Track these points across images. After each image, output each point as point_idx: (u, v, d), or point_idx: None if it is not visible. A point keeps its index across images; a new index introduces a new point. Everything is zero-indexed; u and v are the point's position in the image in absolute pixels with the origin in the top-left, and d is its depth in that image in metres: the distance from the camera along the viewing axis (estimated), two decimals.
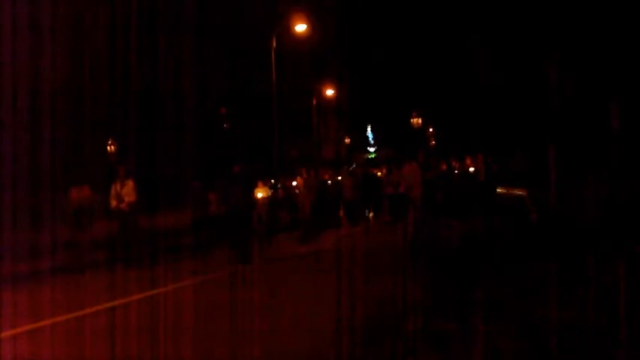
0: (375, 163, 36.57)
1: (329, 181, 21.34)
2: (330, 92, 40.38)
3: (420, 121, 39.41)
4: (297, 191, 19.57)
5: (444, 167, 20.09)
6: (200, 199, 15.18)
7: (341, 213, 19.91)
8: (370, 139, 49.53)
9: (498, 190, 18.06)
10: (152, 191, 18.23)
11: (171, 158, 22.86)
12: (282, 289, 9.83)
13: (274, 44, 26.17)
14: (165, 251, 13.94)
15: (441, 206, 12.38)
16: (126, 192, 12.83)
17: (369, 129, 48.42)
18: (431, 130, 54.68)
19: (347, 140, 43.67)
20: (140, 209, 13.60)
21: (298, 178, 19.43)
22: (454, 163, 21.59)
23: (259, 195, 18.88)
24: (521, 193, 19.39)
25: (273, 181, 18.82)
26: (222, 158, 20.34)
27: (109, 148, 16.16)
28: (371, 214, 20.59)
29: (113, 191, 12.94)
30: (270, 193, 19.53)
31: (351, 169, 25.96)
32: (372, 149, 50.33)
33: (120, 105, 21.50)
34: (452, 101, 41.25)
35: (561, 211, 16.42)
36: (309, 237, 16.75)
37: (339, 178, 22.20)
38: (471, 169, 19.97)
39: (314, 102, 39.55)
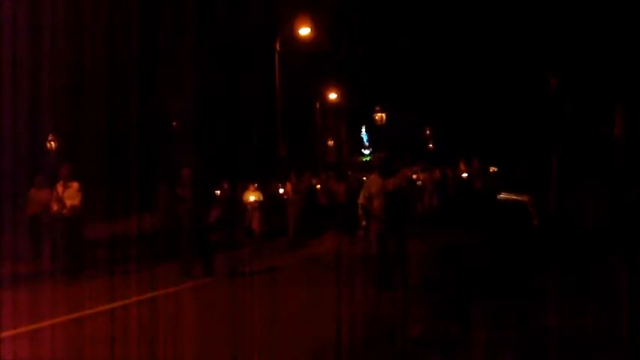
0: (370, 167, 35.58)
1: (318, 186, 20.27)
2: (333, 96, 39.63)
3: (383, 116, 38.01)
4: (285, 197, 18.50)
5: (409, 174, 19.25)
6: (169, 204, 13.89)
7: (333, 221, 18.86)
8: (365, 140, 48.14)
9: (500, 195, 17.47)
10: (114, 195, 17.04)
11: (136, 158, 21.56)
12: (273, 299, 9.27)
13: (278, 47, 25.69)
14: (112, 263, 12.81)
15: (413, 218, 11.21)
16: (68, 195, 11.64)
17: (363, 130, 47.04)
18: (428, 132, 54.08)
19: (330, 143, 42.59)
20: (91, 215, 12.48)
21: (287, 183, 18.38)
22: (448, 169, 20.80)
23: (251, 199, 17.92)
24: (523, 198, 18.81)
25: (256, 184, 17.74)
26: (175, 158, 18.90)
27: (48, 145, 14.23)
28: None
29: (54, 194, 11.79)
30: (261, 197, 18.50)
31: (349, 172, 24.97)
32: (366, 152, 49.19)
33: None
34: (452, 104, 40.63)
35: (563, 217, 16.03)
36: (297, 246, 15.83)
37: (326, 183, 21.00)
38: (464, 175, 19.22)
39: (317, 105, 39.00)
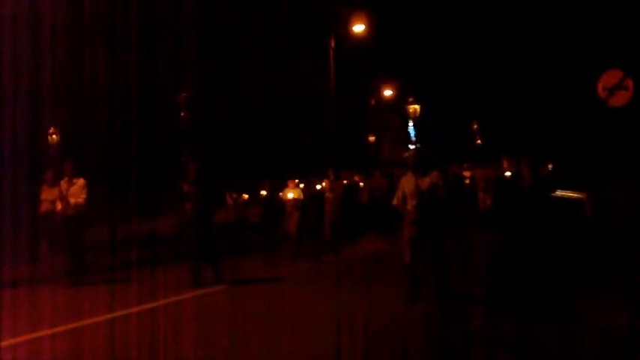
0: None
1: (361, 184, 19.36)
2: (388, 92, 38.93)
3: (417, 108, 36.21)
4: (327, 195, 17.59)
5: (459, 171, 18.19)
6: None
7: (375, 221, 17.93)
8: (412, 136, 46.81)
9: (557, 193, 16.67)
10: (132, 195, 16.34)
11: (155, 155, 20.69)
12: (283, 309, 8.51)
13: (332, 44, 25.69)
14: (114, 267, 11.97)
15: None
16: (73, 192, 10.93)
17: (410, 124, 45.73)
18: (475, 127, 52.73)
19: (371, 139, 41.68)
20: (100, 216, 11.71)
21: (325, 181, 17.49)
22: (490, 166, 19.80)
23: (289, 196, 17.18)
24: (579, 196, 17.97)
25: (297, 181, 16.90)
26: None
27: (50, 138, 13.19)
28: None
29: (58, 192, 11.11)
30: (302, 196, 17.68)
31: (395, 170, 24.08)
32: (413, 147, 47.86)
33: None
34: (504, 100, 39.28)
35: (621, 215, 15.19)
36: (331, 249, 15.00)
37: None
38: (507, 174, 18.23)
39: (372, 102, 38.48)
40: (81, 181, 11.06)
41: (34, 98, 16.48)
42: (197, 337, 7.06)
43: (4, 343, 6.79)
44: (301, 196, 17.16)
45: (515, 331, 7.17)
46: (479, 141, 51.79)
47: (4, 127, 15.46)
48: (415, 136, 46.38)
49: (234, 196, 16.82)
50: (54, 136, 12.10)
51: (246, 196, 17.48)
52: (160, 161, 19.82)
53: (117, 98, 18.56)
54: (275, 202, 17.35)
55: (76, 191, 10.96)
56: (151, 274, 11.13)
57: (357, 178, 19.41)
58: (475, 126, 52.37)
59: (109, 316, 8.08)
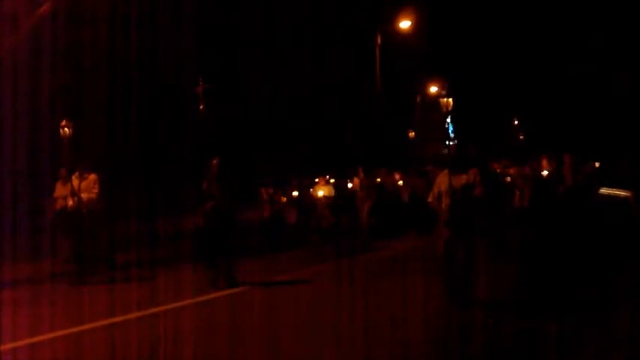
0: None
1: (400, 182, 18.81)
2: (433, 89, 38.62)
3: (450, 101, 35.14)
4: (358, 193, 17.12)
5: (498, 169, 17.57)
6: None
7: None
8: (450, 131, 45.92)
9: (601, 190, 16.09)
10: (151, 192, 15.97)
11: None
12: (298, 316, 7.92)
13: (379, 41, 26.07)
14: (127, 266, 11.38)
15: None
16: (85, 187, 10.71)
17: (448, 120, 44.84)
18: (516, 122, 51.73)
19: (411, 134, 41.13)
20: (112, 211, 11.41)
21: (355, 179, 17.04)
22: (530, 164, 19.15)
23: (320, 193, 16.78)
24: (625, 194, 17.44)
25: (327, 177, 16.47)
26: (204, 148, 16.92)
27: (62, 131, 12.56)
28: None
29: (70, 188, 10.86)
30: (333, 193, 17.21)
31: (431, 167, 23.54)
32: (452, 144, 46.93)
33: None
34: (548, 96, 38.36)
35: None
36: (363, 248, 14.46)
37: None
38: (545, 172, 17.56)
39: (418, 99, 38.20)
40: (92, 177, 10.86)
41: (46, 93, 16.19)
42: (204, 341, 6.69)
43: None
44: (332, 193, 16.73)
45: (556, 333, 6.76)
46: (521, 137, 50.80)
47: (17, 124, 15.25)
48: (454, 132, 45.67)
49: (270, 191, 16.49)
50: (66, 129, 11.58)
51: (284, 198, 17.18)
52: (179, 157, 19.49)
53: (132, 92, 18.32)
54: (305, 200, 17.01)
55: (88, 186, 10.74)
56: (168, 274, 10.81)
57: (397, 176, 18.91)
58: (516, 122, 51.45)
59: (108, 321, 7.62)
